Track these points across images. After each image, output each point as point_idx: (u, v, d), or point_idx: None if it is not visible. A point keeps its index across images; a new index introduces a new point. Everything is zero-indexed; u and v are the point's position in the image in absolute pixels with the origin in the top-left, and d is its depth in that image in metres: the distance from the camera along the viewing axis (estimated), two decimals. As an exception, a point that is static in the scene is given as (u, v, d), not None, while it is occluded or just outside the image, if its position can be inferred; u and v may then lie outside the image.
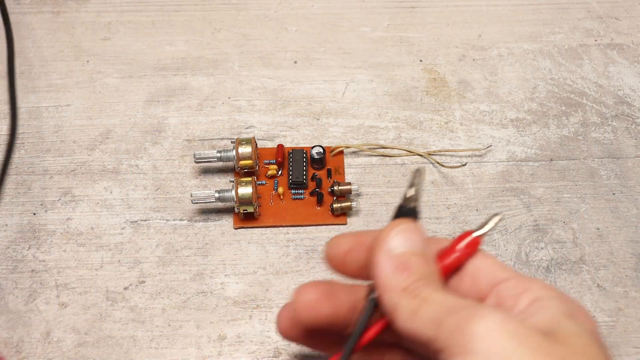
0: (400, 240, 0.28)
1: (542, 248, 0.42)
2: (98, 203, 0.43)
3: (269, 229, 0.42)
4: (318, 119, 0.46)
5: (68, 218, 0.42)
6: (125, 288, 0.40)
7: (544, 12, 0.51)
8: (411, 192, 0.31)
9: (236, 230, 0.42)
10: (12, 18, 0.49)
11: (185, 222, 0.42)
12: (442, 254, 0.29)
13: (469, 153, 0.45)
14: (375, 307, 0.28)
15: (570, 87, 0.48)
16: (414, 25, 0.50)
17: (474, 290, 0.29)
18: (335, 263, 0.31)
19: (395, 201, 0.43)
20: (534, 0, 0.52)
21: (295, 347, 0.39)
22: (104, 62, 0.49)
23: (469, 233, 0.29)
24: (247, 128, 0.46)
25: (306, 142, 0.45)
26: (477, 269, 0.29)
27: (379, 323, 0.28)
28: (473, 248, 0.29)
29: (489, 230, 0.29)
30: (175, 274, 0.41)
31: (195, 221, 0.43)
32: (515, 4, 0.52)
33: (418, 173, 0.32)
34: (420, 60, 0.49)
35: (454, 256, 0.28)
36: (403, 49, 0.50)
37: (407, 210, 0.31)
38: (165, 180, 0.44)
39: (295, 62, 0.49)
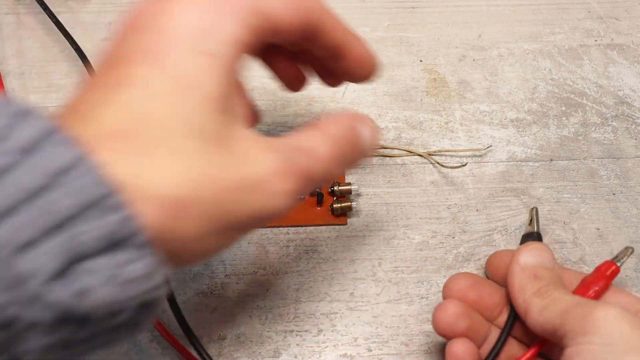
0: (532, 256, 0.35)
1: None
2: (98, 203, 0.43)
3: (269, 229, 0.42)
4: (318, 120, 0.46)
5: (68, 218, 0.42)
6: (125, 288, 0.40)
7: (544, 12, 0.51)
8: (533, 226, 0.40)
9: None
10: (13, 18, 0.49)
11: (185, 222, 0.42)
12: (588, 282, 0.35)
13: (469, 153, 0.45)
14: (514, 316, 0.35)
15: (571, 88, 0.48)
16: (414, 25, 0.50)
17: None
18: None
19: (396, 201, 0.43)
20: (534, 0, 0.52)
21: (295, 348, 0.39)
22: (104, 62, 0.49)
23: (612, 263, 0.36)
24: (247, 128, 0.46)
25: (306, 142, 0.45)
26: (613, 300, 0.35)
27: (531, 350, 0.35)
28: (615, 275, 0.36)
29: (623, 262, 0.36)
30: (175, 274, 0.41)
31: (195, 221, 0.42)
32: (515, 4, 0.52)
33: (535, 211, 0.40)
34: (421, 61, 0.49)
35: (600, 283, 0.35)
36: (403, 49, 0.50)
37: (532, 235, 0.39)
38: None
39: (295, 62, 0.49)
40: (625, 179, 0.44)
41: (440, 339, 0.39)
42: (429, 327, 0.39)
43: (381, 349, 0.39)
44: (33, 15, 0.50)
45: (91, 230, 0.21)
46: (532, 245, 0.36)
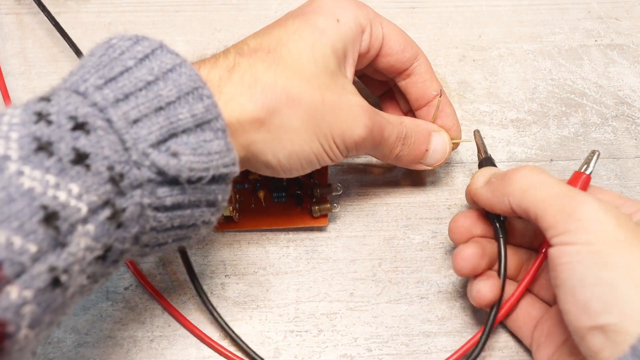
0: (481, 175, 0.37)
1: (542, 248, 0.42)
2: (98, 203, 0.43)
3: (268, 229, 0.42)
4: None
5: (68, 218, 0.42)
6: (126, 288, 0.40)
7: (544, 13, 0.51)
8: (482, 152, 0.41)
9: (236, 231, 0.42)
10: (13, 18, 0.49)
11: (185, 222, 0.42)
12: None
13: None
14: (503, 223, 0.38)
15: (571, 88, 0.48)
16: (414, 25, 0.50)
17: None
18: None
19: (396, 201, 0.43)
20: (534, 0, 0.52)
21: (295, 348, 0.39)
22: (104, 62, 0.49)
23: (581, 174, 0.36)
24: (247, 128, 0.46)
25: (306, 143, 0.45)
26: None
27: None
28: (586, 186, 0.36)
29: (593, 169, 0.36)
30: (175, 274, 0.41)
31: (196, 221, 0.42)
32: (515, 4, 0.52)
33: (477, 134, 0.41)
34: (421, 61, 0.49)
35: None
36: (403, 49, 0.49)
37: (485, 161, 0.40)
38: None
39: (296, 62, 0.49)
40: (625, 179, 0.44)
41: (439, 339, 0.39)
42: (429, 327, 0.39)
43: (381, 349, 0.39)
44: (33, 15, 0.50)
45: (184, 112, 0.29)
46: (483, 170, 0.37)
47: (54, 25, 0.47)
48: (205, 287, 0.40)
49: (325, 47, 0.34)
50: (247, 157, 0.33)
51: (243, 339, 0.39)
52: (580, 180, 0.36)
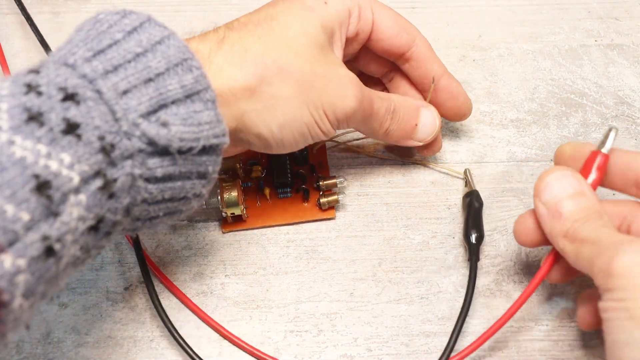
0: (550, 189, 0.34)
1: (542, 248, 0.42)
2: (98, 203, 0.43)
3: (268, 229, 0.42)
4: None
5: (68, 218, 0.42)
6: (126, 288, 0.40)
7: (544, 13, 0.51)
8: (470, 186, 0.42)
9: (236, 231, 0.42)
10: (12, 18, 0.49)
11: (185, 222, 0.42)
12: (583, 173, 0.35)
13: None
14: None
15: (571, 88, 0.48)
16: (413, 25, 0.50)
17: (624, 182, 0.35)
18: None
19: (396, 201, 0.43)
20: (534, 0, 0.52)
21: (295, 348, 0.39)
22: (104, 62, 0.49)
23: (597, 153, 0.35)
24: (247, 128, 0.46)
25: (306, 142, 0.45)
26: (624, 165, 0.35)
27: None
28: (605, 163, 0.35)
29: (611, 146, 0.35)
30: (175, 274, 0.41)
31: (196, 221, 0.42)
32: (515, 4, 0.52)
33: (468, 172, 0.43)
34: (421, 61, 0.49)
35: (596, 176, 0.34)
36: (403, 49, 0.49)
37: (470, 194, 0.42)
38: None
39: (296, 62, 0.49)
40: (625, 179, 0.44)
41: (439, 339, 0.39)
42: (429, 327, 0.39)
43: (381, 349, 0.39)
44: (33, 15, 0.50)
45: (174, 84, 0.29)
46: (553, 173, 0.34)
47: (29, 25, 0.47)
48: (205, 287, 0.40)
49: (314, 22, 0.35)
50: (239, 128, 0.33)
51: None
52: (596, 162, 0.34)
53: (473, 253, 0.40)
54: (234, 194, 0.40)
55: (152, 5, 0.51)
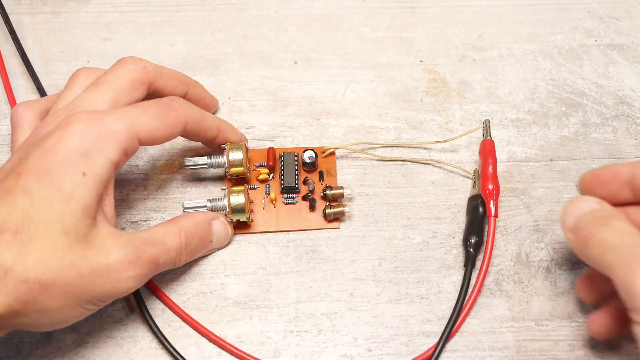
0: (572, 213, 0.35)
1: (542, 248, 0.42)
2: (98, 203, 0.43)
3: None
4: (318, 119, 0.46)
5: (68, 218, 0.42)
6: (126, 288, 0.40)
7: (544, 13, 0.51)
8: (476, 188, 0.42)
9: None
10: (12, 18, 0.49)
11: (185, 222, 0.42)
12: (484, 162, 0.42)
13: (466, 137, 0.45)
14: None
15: (571, 88, 0.48)
16: (414, 25, 0.50)
17: None
18: None
19: (396, 201, 0.43)
20: (534, 0, 0.52)
21: (295, 347, 0.39)
22: (104, 63, 0.48)
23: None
24: (247, 128, 0.46)
25: (306, 143, 0.45)
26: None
27: None
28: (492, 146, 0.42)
29: None
30: (175, 274, 0.41)
31: (196, 221, 0.42)
32: (515, 4, 0.52)
33: (476, 173, 0.43)
34: (421, 61, 0.49)
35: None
36: (403, 49, 0.50)
37: (475, 197, 0.42)
38: (165, 181, 0.44)
39: (296, 63, 0.49)
40: (625, 179, 0.44)
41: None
42: (429, 327, 0.39)
43: (381, 349, 0.39)
44: (33, 16, 0.50)
45: None
46: (568, 205, 0.36)
47: (7, 27, 0.47)
48: (205, 287, 0.40)
49: (75, 212, 0.32)
50: (10, 324, 0.33)
51: (243, 339, 0.39)
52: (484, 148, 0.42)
53: (470, 260, 0.40)
54: (242, 201, 0.40)
55: (152, 5, 0.51)
